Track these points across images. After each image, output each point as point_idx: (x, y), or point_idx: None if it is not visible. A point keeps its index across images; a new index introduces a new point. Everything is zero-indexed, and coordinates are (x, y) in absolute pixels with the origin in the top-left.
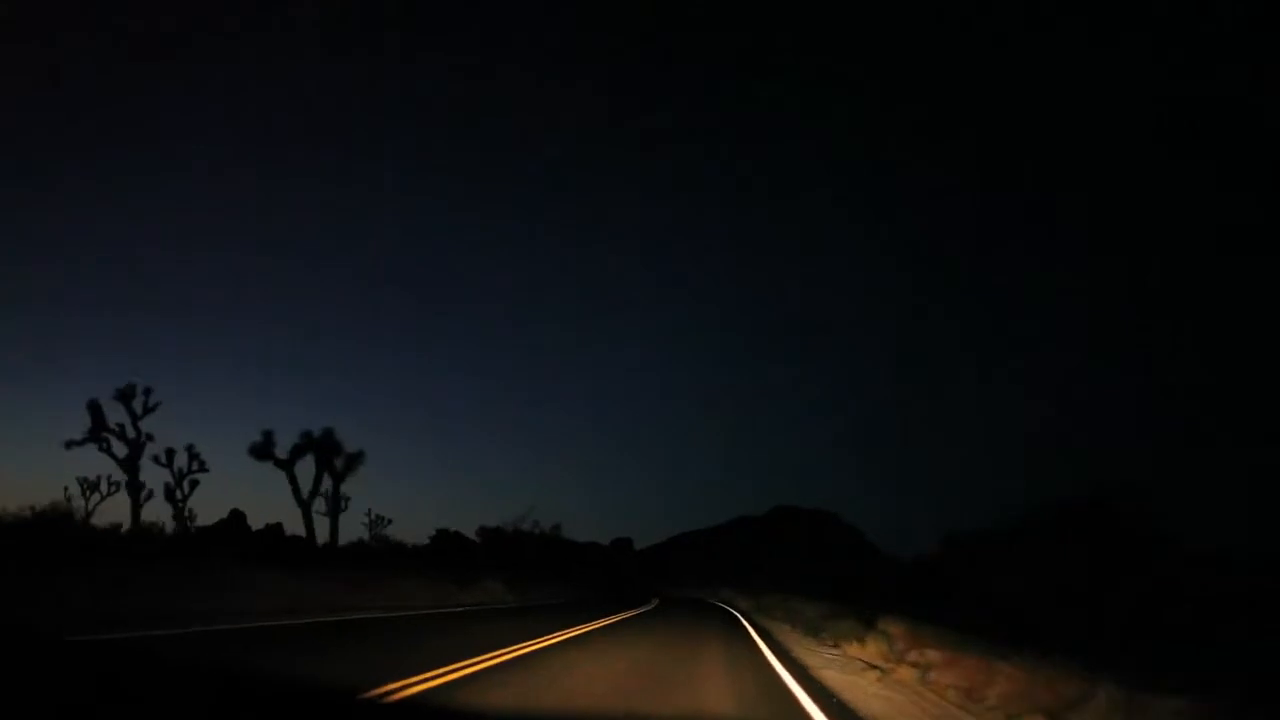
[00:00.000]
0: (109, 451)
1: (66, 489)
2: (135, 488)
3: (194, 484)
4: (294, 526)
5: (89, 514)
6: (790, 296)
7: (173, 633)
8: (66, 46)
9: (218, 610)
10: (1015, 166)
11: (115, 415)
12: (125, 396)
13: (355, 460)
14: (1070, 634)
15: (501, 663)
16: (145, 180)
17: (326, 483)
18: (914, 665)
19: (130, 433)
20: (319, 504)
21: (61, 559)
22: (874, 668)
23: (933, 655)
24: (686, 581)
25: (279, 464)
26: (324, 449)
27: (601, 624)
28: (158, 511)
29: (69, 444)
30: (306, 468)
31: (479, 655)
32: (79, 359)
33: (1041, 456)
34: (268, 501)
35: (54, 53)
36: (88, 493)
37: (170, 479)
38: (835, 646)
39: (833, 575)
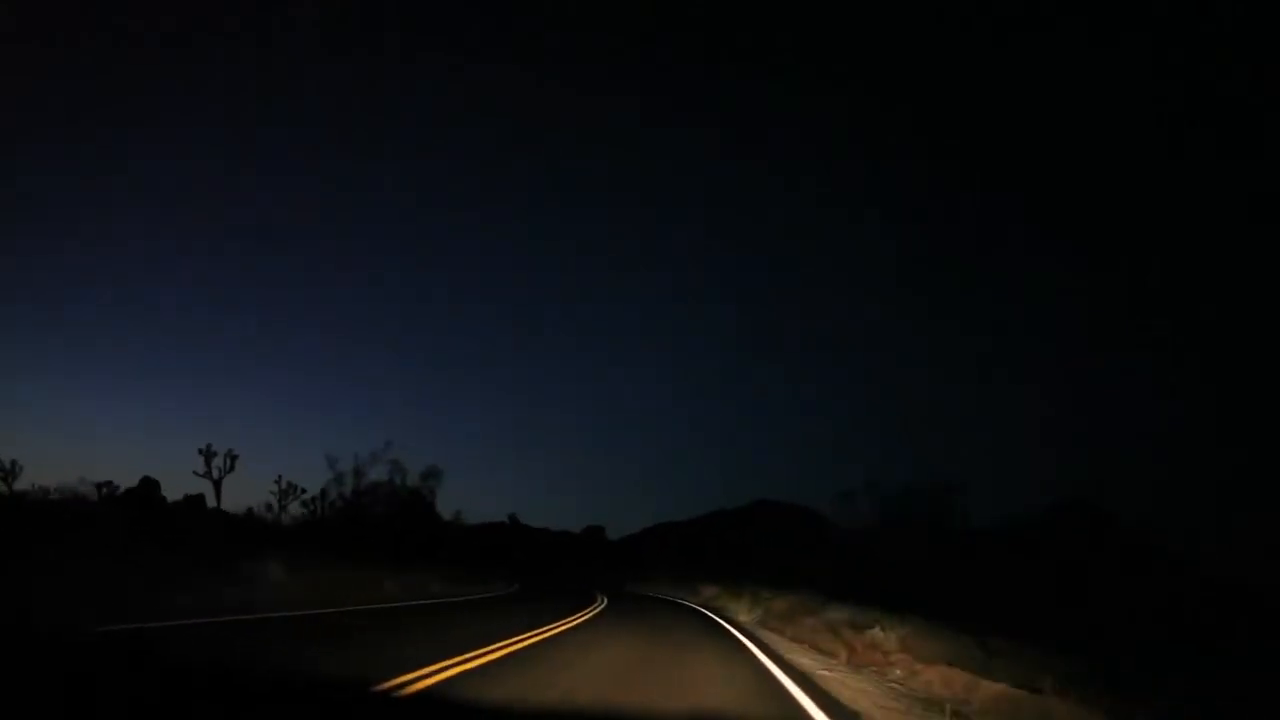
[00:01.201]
0: None
1: None
2: None
3: None
4: None
5: None
6: (790, 296)
7: None
8: (66, 46)
9: None
10: (1015, 166)
11: None
12: None
13: None
14: None
15: None
16: (145, 180)
17: None
18: None
19: None
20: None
21: None
22: None
23: None
24: (662, 574)
25: None
26: None
27: None
28: None
29: None
30: None
31: None
32: (79, 359)
33: (1041, 456)
34: None
35: (54, 53)
36: None
37: None
38: None
39: (835, 574)
